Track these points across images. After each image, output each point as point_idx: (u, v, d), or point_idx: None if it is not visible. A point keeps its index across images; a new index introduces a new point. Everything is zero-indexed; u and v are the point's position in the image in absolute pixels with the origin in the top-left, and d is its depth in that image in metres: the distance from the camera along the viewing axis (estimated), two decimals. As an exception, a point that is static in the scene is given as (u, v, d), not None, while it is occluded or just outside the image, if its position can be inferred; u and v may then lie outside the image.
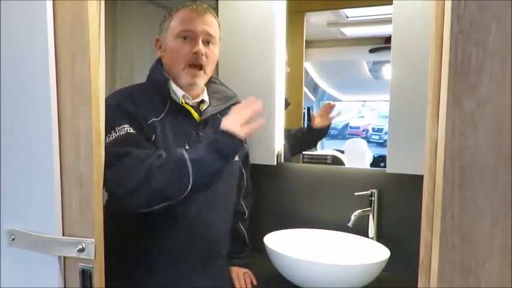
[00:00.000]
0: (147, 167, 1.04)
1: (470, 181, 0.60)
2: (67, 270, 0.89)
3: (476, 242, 0.61)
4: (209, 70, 1.25)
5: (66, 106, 0.86)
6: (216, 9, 1.68)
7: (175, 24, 1.21)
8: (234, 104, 1.30)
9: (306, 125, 1.78)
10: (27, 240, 0.90)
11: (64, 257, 0.89)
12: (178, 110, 1.21)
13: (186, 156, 1.06)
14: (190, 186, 1.05)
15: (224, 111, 1.30)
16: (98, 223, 0.86)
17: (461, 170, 0.61)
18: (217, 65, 1.67)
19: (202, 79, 1.23)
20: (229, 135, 1.07)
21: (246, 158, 1.47)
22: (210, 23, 1.22)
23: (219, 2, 1.67)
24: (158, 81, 1.21)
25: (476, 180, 0.60)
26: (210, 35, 1.21)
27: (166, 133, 1.17)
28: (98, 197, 0.86)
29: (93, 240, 0.85)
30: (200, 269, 1.25)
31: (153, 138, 1.14)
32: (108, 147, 0.96)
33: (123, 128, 1.09)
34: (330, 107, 1.72)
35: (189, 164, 1.04)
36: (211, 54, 1.23)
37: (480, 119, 0.59)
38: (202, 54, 1.19)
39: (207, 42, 1.22)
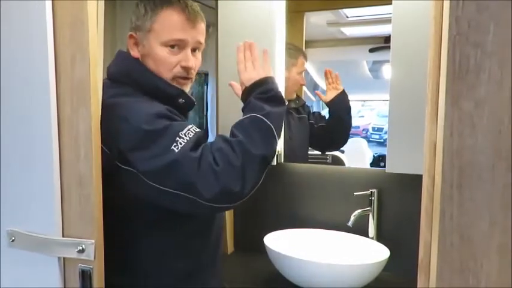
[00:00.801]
0: (237, 144, 0.97)
1: (469, 181, 0.60)
2: (67, 271, 0.89)
3: (475, 241, 0.61)
4: (194, 77, 1.17)
5: (65, 106, 0.86)
6: (215, 9, 1.68)
7: (161, 28, 1.07)
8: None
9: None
10: (27, 241, 0.90)
11: (64, 258, 0.89)
12: (182, 114, 1.15)
13: (258, 115, 1.02)
14: (277, 139, 1.04)
15: None
16: (98, 224, 0.86)
17: (459, 170, 0.61)
18: (216, 65, 1.67)
19: (188, 88, 1.16)
20: (264, 81, 1.11)
21: None
22: (200, 30, 1.11)
23: (219, 2, 1.66)
24: (167, 93, 1.10)
25: (475, 180, 0.60)
26: (199, 43, 1.12)
27: None
28: (97, 198, 0.86)
29: (93, 241, 0.85)
30: (213, 269, 1.23)
31: None
32: (183, 155, 0.92)
33: (189, 130, 0.98)
34: (329, 73, 1.70)
35: (265, 119, 1.02)
36: (198, 62, 1.14)
37: (479, 120, 0.59)
38: (193, 68, 1.12)
39: (193, 50, 1.12)
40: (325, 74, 1.70)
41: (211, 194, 0.91)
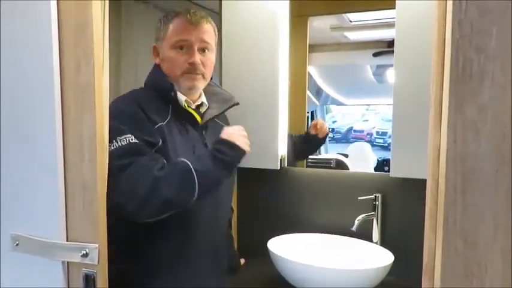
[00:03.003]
0: (153, 178, 1.04)
1: (472, 186, 0.60)
2: (71, 275, 0.89)
3: (479, 246, 0.61)
4: (207, 75, 1.26)
5: (70, 111, 0.87)
6: (219, 14, 1.69)
7: (170, 34, 1.21)
8: (233, 106, 1.33)
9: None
10: (31, 245, 0.91)
11: (68, 262, 0.89)
12: (182, 114, 1.22)
13: (192, 167, 1.07)
14: (196, 196, 1.07)
15: (222, 114, 1.34)
16: (102, 228, 0.86)
17: (463, 175, 0.60)
18: (220, 68, 1.68)
19: (201, 83, 1.24)
20: (233, 147, 1.13)
21: None
22: (205, 31, 1.22)
23: (223, 6, 1.67)
24: (162, 87, 1.21)
25: (478, 185, 0.60)
26: (205, 42, 1.21)
27: (174, 137, 1.18)
28: (101, 202, 0.86)
29: (96, 245, 0.85)
30: (209, 271, 1.26)
31: (160, 143, 1.13)
32: (110, 157, 0.96)
33: (125, 138, 1.08)
34: (318, 127, 1.77)
35: (195, 175, 1.07)
36: (208, 61, 1.24)
37: (482, 124, 0.59)
38: (199, 64, 1.20)
39: (202, 50, 1.22)
40: (316, 126, 1.77)
41: (109, 203, 0.95)
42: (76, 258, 0.86)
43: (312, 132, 1.76)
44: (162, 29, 1.23)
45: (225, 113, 1.36)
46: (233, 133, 1.16)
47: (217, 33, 1.28)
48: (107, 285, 0.88)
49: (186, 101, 1.23)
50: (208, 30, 1.23)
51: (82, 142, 0.86)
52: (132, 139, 1.08)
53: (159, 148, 1.14)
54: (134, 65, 2.14)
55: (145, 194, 1.03)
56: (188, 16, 1.20)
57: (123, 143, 1.07)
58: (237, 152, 1.14)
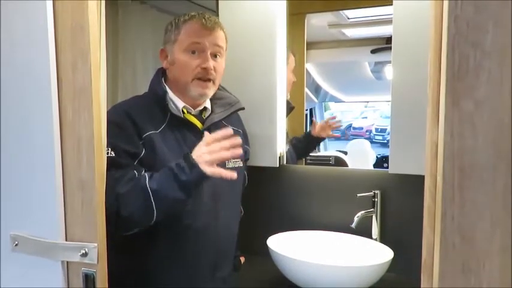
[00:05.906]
0: (115, 196, 1.04)
1: (469, 182, 0.60)
2: (70, 275, 0.89)
3: (477, 242, 0.61)
4: (217, 81, 1.25)
5: (67, 112, 0.87)
6: (217, 13, 1.69)
7: (183, 37, 1.19)
8: (237, 111, 1.31)
9: (305, 132, 1.80)
10: (31, 245, 0.91)
11: (67, 262, 0.89)
12: (179, 121, 1.21)
13: (148, 185, 1.05)
14: (155, 215, 1.06)
15: (228, 118, 1.31)
16: (101, 227, 0.86)
17: (460, 171, 0.60)
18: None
19: (211, 90, 1.24)
20: (193, 166, 1.04)
21: (246, 160, 1.48)
22: (218, 37, 1.21)
23: (220, 4, 1.67)
24: (157, 94, 1.21)
25: (475, 181, 0.60)
26: (219, 46, 1.21)
27: (167, 145, 1.17)
28: (100, 201, 0.86)
29: (95, 244, 0.85)
30: (210, 276, 1.26)
31: (143, 152, 1.13)
32: None
33: (108, 150, 1.06)
34: (335, 126, 1.74)
35: (151, 194, 1.05)
36: (219, 67, 1.23)
37: (479, 120, 0.59)
38: (211, 69, 1.19)
39: (214, 55, 1.21)
40: (332, 123, 1.74)
41: None
42: (75, 257, 0.87)
43: (317, 133, 1.73)
44: (173, 32, 1.21)
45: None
46: (204, 149, 1.06)
47: (227, 39, 1.27)
48: (106, 285, 0.88)
49: (184, 107, 1.22)
50: (221, 36, 1.22)
51: (79, 142, 0.86)
52: (109, 153, 1.07)
53: (143, 158, 1.13)
54: (132, 64, 2.14)
55: (110, 213, 0.95)
56: (203, 20, 1.18)
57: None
58: (195, 172, 1.04)
